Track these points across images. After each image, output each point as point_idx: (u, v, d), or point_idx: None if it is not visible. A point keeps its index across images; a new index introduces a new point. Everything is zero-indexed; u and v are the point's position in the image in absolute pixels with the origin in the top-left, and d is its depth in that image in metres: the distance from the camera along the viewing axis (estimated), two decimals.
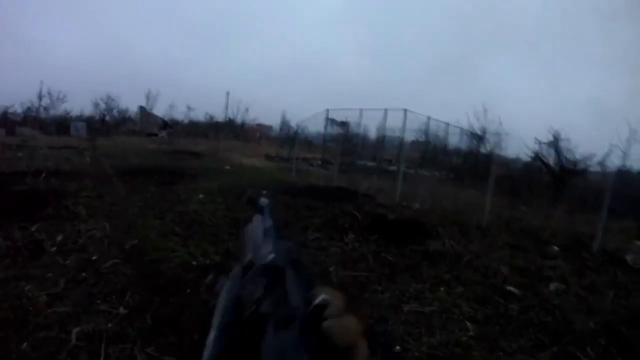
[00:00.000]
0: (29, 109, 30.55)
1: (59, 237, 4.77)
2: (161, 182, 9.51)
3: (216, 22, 51.62)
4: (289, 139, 22.33)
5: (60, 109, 31.95)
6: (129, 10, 50.05)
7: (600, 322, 3.85)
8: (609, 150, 16.51)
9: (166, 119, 34.72)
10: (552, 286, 4.81)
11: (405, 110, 15.90)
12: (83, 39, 46.63)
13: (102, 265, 4.04)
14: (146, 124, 33.34)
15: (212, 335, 1.38)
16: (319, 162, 18.25)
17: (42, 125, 28.84)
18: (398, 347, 3.09)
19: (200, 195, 8.20)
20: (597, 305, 4.36)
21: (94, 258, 4.23)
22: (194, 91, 41.66)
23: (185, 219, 6.29)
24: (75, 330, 2.82)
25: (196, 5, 50.09)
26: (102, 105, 32.68)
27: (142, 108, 34.55)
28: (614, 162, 16.25)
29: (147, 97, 34.62)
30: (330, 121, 18.10)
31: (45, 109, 31.25)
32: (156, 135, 29.26)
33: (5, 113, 30.20)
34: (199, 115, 35.31)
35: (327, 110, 17.72)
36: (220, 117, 34.34)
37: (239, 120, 35.10)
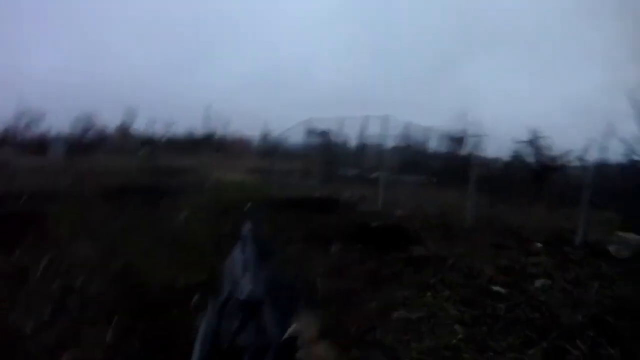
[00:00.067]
0: (6, 129, 29.84)
1: (43, 262, 4.65)
2: (143, 201, 9.35)
3: (195, 36, 51.50)
4: (270, 150, 22.26)
5: (39, 128, 31.31)
6: (106, 24, 49.48)
7: (588, 314, 3.86)
8: (587, 144, 16.80)
9: (146, 135, 34.34)
10: (538, 282, 4.82)
11: (385, 117, 15.97)
12: (59, 54, 45.95)
13: (87, 290, 3.98)
14: (126, 141, 32.97)
15: None
16: (301, 173, 18.22)
17: (21, 145, 28.19)
18: None
19: (183, 214, 8.08)
20: (583, 297, 4.38)
21: (78, 283, 4.15)
22: (173, 105, 41.31)
23: (169, 238, 6.17)
24: (63, 358, 2.78)
25: (175, 20, 49.93)
26: (81, 124, 32.15)
27: (121, 125, 34.14)
28: (593, 156, 16.53)
29: (127, 113, 34.18)
30: (311, 131, 18.09)
31: (24, 128, 30.60)
32: (136, 152, 28.90)
33: None
34: (180, 129, 34.90)
35: (308, 120, 17.71)
36: (200, 131, 34.14)
37: (219, 133, 34.89)
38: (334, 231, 6.71)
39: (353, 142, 20.36)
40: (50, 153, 28.32)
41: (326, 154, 17.38)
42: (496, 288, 4.51)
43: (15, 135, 30.24)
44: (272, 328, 1.28)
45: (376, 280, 4.67)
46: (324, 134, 19.11)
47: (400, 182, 14.45)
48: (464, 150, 19.93)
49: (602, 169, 15.11)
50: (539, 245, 6.53)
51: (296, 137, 18.61)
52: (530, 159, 17.34)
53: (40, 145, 29.16)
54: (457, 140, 20.65)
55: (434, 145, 20.21)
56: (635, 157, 15.39)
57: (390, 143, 16.51)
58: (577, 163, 16.54)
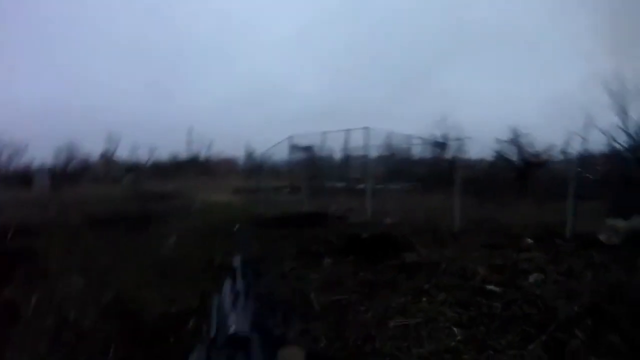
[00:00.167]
0: None
1: (34, 299, 4.51)
2: (130, 228, 9.22)
3: (173, 59, 51.34)
4: (255, 169, 22.19)
5: (22, 160, 30.81)
6: (84, 51, 49.07)
7: (584, 304, 3.86)
8: (568, 137, 17.11)
9: (130, 161, 34.00)
10: (531, 278, 4.82)
11: (367, 129, 16.06)
12: (39, 83, 45.33)
13: (81, 323, 3.88)
14: (110, 168, 32.64)
15: None
16: (288, 189, 18.17)
17: (5, 178, 27.61)
18: None
19: (172, 239, 7.96)
20: (578, 288, 4.38)
21: (72, 317, 4.04)
22: (156, 130, 40.91)
23: (159, 265, 6.08)
24: None
25: (152, 44, 49.83)
26: (64, 153, 31.69)
27: (104, 153, 33.79)
28: (575, 149, 16.81)
29: (109, 140, 33.84)
30: (294, 147, 18.10)
31: (7, 161, 30.08)
32: (121, 179, 28.54)
33: None
34: (163, 154, 34.61)
35: (290, 137, 17.74)
36: (184, 154, 33.96)
37: (203, 155, 34.73)
38: (325, 245, 6.67)
39: (337, 155, 20.42)
40: (34, 184, 27.82)
41: (311, 169, 17.37)
42: (490, 287, 4.49)
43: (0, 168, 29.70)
44: None
45: (371, 290, 4.62)
46: (307, 149, 19.12)
47: (387, 191, 14.49)
48: (448, 154, 20.12)
49: (585, 160, 15.39)
50: (530, 241, 6.55)
51: (280, 154, 18.61)
52: (514, 157, 17.57)
53: (24, 177, 28.65)
54: (440, 145, 20.86)
55: (417, 151, 20.36)
56: (616, 146, 15.73)
57: (373, 153, 16.61)
58: (560, 157, 16.84)
